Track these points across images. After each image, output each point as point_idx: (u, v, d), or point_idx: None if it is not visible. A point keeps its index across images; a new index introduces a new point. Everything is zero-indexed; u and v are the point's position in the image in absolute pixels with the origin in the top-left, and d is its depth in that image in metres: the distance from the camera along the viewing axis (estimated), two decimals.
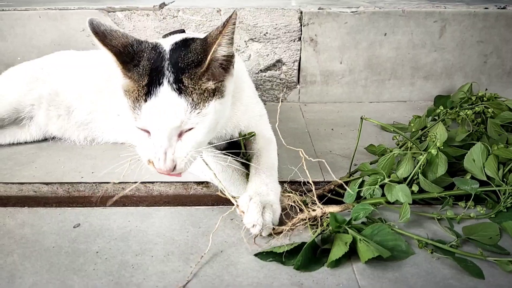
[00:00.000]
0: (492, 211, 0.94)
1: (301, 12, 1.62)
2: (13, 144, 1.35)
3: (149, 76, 0.83)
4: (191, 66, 0.84)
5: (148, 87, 0.82)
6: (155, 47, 0.87)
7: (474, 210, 0.95)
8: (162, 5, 1.68)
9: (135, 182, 1.00)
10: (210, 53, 0.83)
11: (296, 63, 1.69)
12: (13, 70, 1.37)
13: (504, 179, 0.95)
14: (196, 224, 0.95)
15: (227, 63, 0.89)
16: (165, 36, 1.07)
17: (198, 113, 0.83)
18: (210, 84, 0.85)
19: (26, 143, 1.36)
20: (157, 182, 1.11)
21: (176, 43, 0.89)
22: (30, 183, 1.12)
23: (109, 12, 1.63)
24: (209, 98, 0.85)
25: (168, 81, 0.82)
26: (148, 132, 0.84)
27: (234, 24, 0.82)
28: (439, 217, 0.93)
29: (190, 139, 0.85)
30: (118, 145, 1.33)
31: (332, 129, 1.48)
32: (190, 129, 0.84)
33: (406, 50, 1.68)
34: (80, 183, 1.11)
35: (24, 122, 1.32)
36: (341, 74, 1.72)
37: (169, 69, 0.83)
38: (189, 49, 0.86)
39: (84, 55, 1.40)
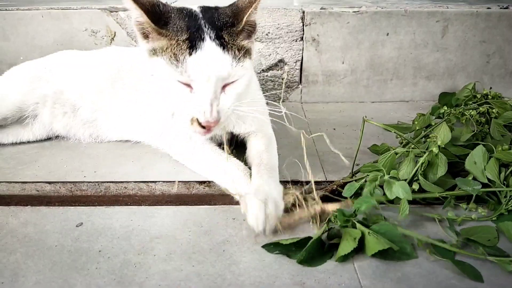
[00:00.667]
0: (493, 213, 0.94)
1: (303, 12, 1.62)
2: (16, 143, 1.35)
3: (187, 32, 0.87)
4: (228, 25, 0.90)
5: (190, 41, 0.87)
6: (182, 9, 0.93)
7: (475, 212, 0.95)
8: None
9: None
10: (247, 15, 0.90)
11: (298, 63, 1.69)
12: (16, 69, 1.38)
13: (505, 181, 0.95)
14: (198, 223, 0.95)
15: (252, 30, 0.95)
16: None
17: (242, 66, 0.90)
18: (245, 43, 0.93)
19: (29, 142, 1.36)
20: (159, 181, 1.11)
21: (202, 7, 0.95)
22: (33, 182, 1.12)
23: (111, 12, 1.64)
24: (246, 55, 0.92)
25: (210, 37, 0.87)
26: (190, 87, 0.89)
27: None
28: (440, 218, 0.93)
29: (232, 91, 0.91)
30: (121, 144, 1.34)
31: (334, 129, 1.48)
32: (232, 82, 0.91)
33: (408, 50, 1.68)
34: (83, 182, 1.12)
35: (28, 121, 1.32)
36: (343, 74, 1.71)
37: (207, 26, 0.88)
38: (221, 11, 0.94)
39: (86, 54, 1.40)
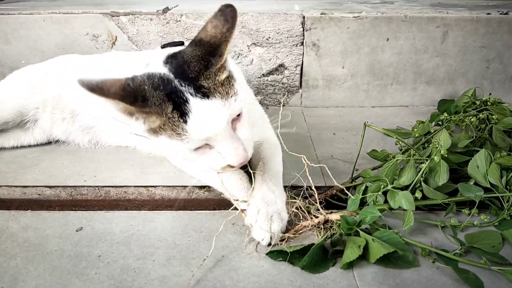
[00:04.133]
0: (496, 218, 0.94)
1: (304, 17, 1.63)
2: (16, 147, 1.36)
3: (168, 101, 0.80)
4: (202, 71, 0.82)
5: (177, 110, 0.80)
6: (151, 76, 0.83)
7: (477, 218, 0.95)
8: (166, 10, 1.69)
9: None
10: (225, 53, 0.83)
11: (299, 68, 1.70)
12: (18, 74, 1.38)
13: (508, 186, 0.95)
14: (198, 228, 0.96)
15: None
16: (163, 46, 1.06)
17: (235, 99, 0.83)
18: (225, 73, 0.85)
19: (29, 146, 1.36)
20: (159, 186, 1.12)
21: (166, 59, 0.86)
22: (33, 186, 1.12)
23: (112, 16, 1.64)
24: (231, 83, 0.85)
25: (191, 94, 0.80)
26: (206, 145, 0.84)
27: (236, 13, 0.83)
28: (442, 225, 0.93)
29: (242, 123, 0.87)
30: (121, 149, 1.34)
31: (334, 134, 1.48)
32: (237, 116, 0.85)
33: (408, 55, 1.69)
34: (83, 186, 1.12)
35: (28, 125, 1.33)
36: (343, 79, 1.72)
37: (183, 84, 0.81)
38: (188, 57, 0.84)
39: (87, 59, 1.41)
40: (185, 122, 0.80)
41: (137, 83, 0.81)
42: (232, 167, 0.86)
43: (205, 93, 0.81)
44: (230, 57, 0.92)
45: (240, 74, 1.22)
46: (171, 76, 0.82)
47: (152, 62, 0.88)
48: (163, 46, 1.05)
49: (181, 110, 0.80)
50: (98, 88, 0.79)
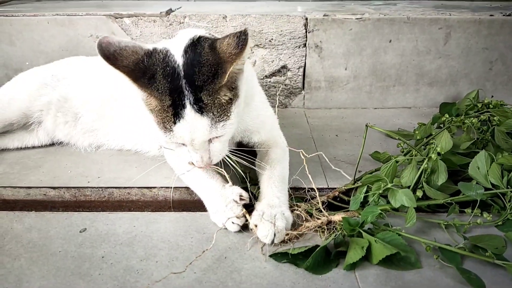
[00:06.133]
0: (498, 218, 0.94)
1: (306, 19, 1.63)
2: (21, 148, 1.36)
3: (170, 96, 0.86)
4: (208, 82, 0.86)
5: (173, 109, 0.86)
6: (166, 59, 0.88)
7: (480, 218, 0.95)
8: (169, 12, 1.70)
9: None
10: (228, 72, 0.85)
11: (301, 69, 1.70)
12: (23, 76, 1.39)
13: (509, 186, 0.95)
14: (200, 229, 0.96)
15: (240, 67, 0.91)
16: None
17: (223, 125, 0.89)
18: (228, 94, 0.89)
19: (34, 147, 1.37)
20: (162, 187, 1.12)
21: (186, 51, 0.89)
22: (37, 187, 1.13)
23: (116, 18, 1.65)
24: (229, 106, 0.90)
25: (190, 102, 0.86)
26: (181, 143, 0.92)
27: (247, 43, 0.85)
28: (446, 224, 0.93)
29: (220, 140, 0.93)
30: (124, 151, 1.34)
31: (337, 135, 1.48)
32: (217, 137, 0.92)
33: (410, 57, 1.69)
34: (87, 187, 1.13)
35: (33, 127, 1.34)
36: (346, 80, 1.72)
37: (187, 89, 0.86)
38: (204, 59, 0.87)
39: (92, 61, 1.41)
40: (174, 122, 0.87)
41: (151, 63, 0.87)
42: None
43: (201, 108, 0.86)
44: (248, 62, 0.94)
45: (253, 76, 1.22)
46: (182, 72, 0.86)
47: (178, 39, 0.94)
48: None
49: (176, 110, 0.86)
50: (113, 57, 0.85)
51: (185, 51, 0.89)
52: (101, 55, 0.85)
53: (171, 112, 0.86)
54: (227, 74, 0.85)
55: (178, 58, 0.88)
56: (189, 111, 0.86)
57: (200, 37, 0.92)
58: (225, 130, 0.90)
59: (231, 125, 0.91)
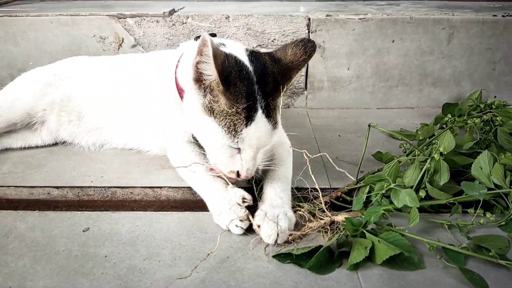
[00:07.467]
0: (501, 218, 0.94)
1: (309, 19, 1.63)
2: (24, 148, 1.37)
3: (246, 100, 0.88)
4: (274, 91, 0.91)
5: (247, 111, 0.88)
6: (239, 64, 0.90)
7: (483, 218, 0.94)
8: (172, 12, 1.70)
9: None
10: (293, 78, 0.94)
11: (304, 69, 1.70)
12: (27, 75, 1.40)
13: None
14: (203, 229, 0.96)
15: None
16: (196, 38, 1.09)
17: (276, 131, 0.93)
18: (281, 99, 0.95)
19: (37, 147, 1.38)
20: (165, 187, 1.12)
21: (252, 61, 0.93)
22: (41, 186, 1.14)
23: (119, 18, 1.66)
24: (278, 112, 0.94)
25: (261, 107, 0.89)
26: (238, 149, 0.92)
27: (315, 48, 0.94)
28: (448, 223, 0.93)
29: (263, 151, 0.96)
30: (127, 150, 1.35)
31: (339, 135, 1.48)
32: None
33: (414, 57, 1.68)
34: (90, 187, 1.13)
35: (36, 126, 1.34)
36: (349, 81, 1.72)
37: (260, 94, 0.89)
38: (270, 68, 0.93)
39: (95, 60, 1.42)
40: (246, 125, 0.88)
41: (230, 64, 0.89)
42: (238, 176, 0.95)
43: (268, 113, 0.90)
44: None
45: None
46: (254, 78, 0.90)
47: (236, 46, 0.99)
48: (196, 38, 1.10)
49: (249, 113, 0.88)
50: (216, 54, 0.84)
51: (249, 58, 0.94)
52: (212, 55, 0.83)
53: (244, 115, 0.88)
54: (292, 80, 0.91)
55: (248, 63, 0.92)
56: (260, 115, 0.89)
57: (254, 51, 0.97)
58: (276, 136, 0.93)
59: (279, 132, 0.95)
